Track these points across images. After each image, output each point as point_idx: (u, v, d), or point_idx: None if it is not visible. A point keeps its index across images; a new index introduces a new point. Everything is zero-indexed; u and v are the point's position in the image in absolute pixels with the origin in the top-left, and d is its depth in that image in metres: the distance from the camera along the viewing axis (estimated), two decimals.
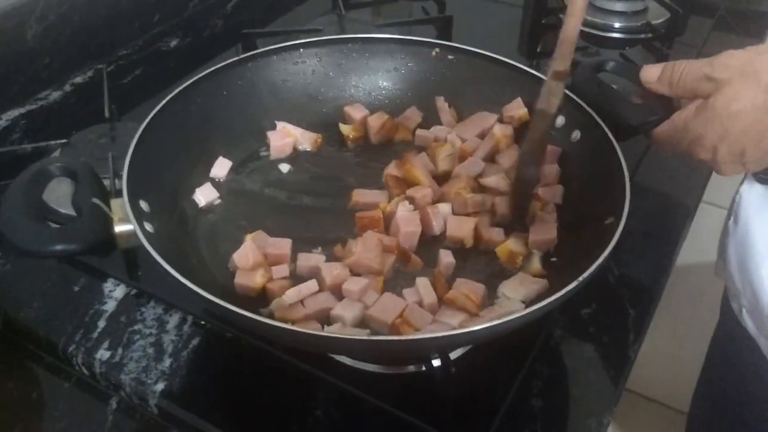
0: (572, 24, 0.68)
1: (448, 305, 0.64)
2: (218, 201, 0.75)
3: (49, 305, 0.68)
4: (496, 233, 0.70)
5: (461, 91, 0.83)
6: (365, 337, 0.58)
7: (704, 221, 1.00)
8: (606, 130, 0.68)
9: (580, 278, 0.55)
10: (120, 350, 0.64)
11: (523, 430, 0.59)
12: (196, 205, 0.73)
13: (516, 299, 0.64)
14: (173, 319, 0.67)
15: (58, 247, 0.57)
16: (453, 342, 0.58)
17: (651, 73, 0.66)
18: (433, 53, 0.81)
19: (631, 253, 0.75)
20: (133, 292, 0.70)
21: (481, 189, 0.75)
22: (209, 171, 0.76)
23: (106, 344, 0.65)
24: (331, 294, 0.65)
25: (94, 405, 0.63)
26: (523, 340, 0.66)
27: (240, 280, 0.65)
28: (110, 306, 0.68)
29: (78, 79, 0.98)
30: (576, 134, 0.73)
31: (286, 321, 0.61)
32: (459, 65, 0.81)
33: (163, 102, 0.71)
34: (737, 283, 0.76)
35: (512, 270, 0.68)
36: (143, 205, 0.64)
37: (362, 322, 0.63)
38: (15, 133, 0.89)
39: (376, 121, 0.82)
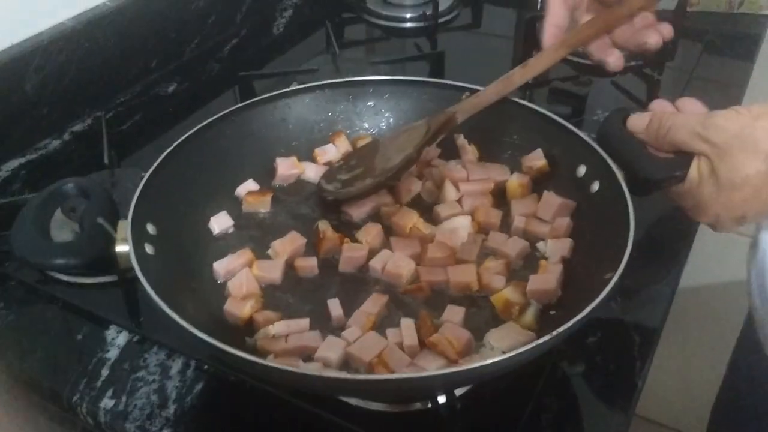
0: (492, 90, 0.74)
1: (430, 349, 0.62)
2: (232, 229, 0.77)
3: (52, 354, 0.68)
4: (496, 280, 0.69)
5: (483, 134, 0.82)
6: (320, 373, 0.57)
7: (708, 242, 1.00)
8: (621, 183, 0.66)
9: (554, 332, 0.53)
10: (124, 398, 0.64)
11: None
12: (211, 232, 0.75)
13: (499, 349, 0.62)
14: (176, 365, 0.67)
15: (60, 261, 0.65)
16: (404, 386, 0.55)
17: (638, 123, 0.65)
18: (463, 96, 0.80)
19: (634, 278, 0.75)
20: (136, 338, 0.70)
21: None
22: (227, 199, 0.79)
23: (110, 392, 0.64)
24: (318, 333, 0.65)
25: None
26: (529, 372, 0.65)
27: (229, 307, 0.67)
28: (113, 353, 0.68)
29: (77, 127, 1.00)
30: (595, 185, 0.71)
31: (267, 353, 0.63)
32: (486, 109, 0.78)
33: (187, 135, 0.76)
34: (760, 312, 0.75)
35: (507, 320, 0.66)
36: (150, 227, 0.67)
37: (346, 363, 0.62)
38: (15, 183, 0.90)
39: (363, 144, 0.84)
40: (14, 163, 0.92)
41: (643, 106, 1.07)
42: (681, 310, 0.87)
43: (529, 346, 0.53)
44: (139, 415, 0.62)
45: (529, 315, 0.66)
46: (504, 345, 0.62)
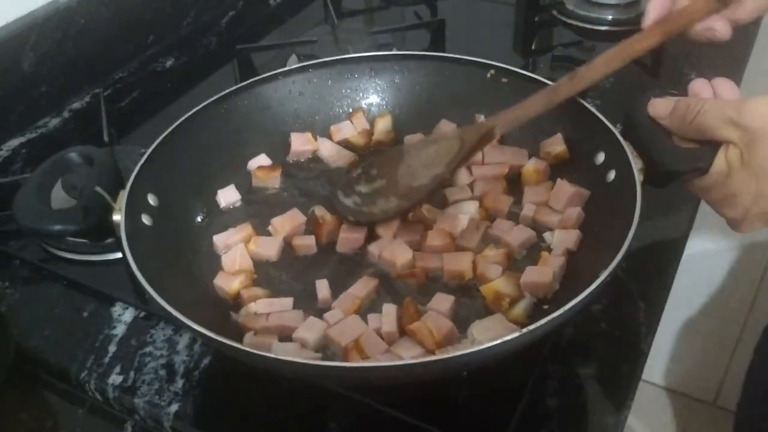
0: (536, 102, 0.69)
1: (409, 336, 0.61)
2: (239, 203, 0.77)
3: (59, 332, 0.69)
4: (491, 269, 0.66)
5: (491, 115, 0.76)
6: (292, 359, 0.54)
7: (708, 215, 1.00)
8: (635, 173, 0.62)
9: (524, 330, 0.51)
10: (132, 374, 0.64)
11: (539, 429, 0.59)
12: (218, 205, 0.76)
13: (479, 342, 0.58)
14: (183, 340, 0.67)
15: (56, 227, 0.65)
16: (364, 376, 0.54)
17: (661, 108, 0.60)
18: (488, 75, 0.78)
19: (639, 245, 0.75)
20: (142, 314, 0.70)
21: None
22: (238, 173, 0.78)
23: (117, 368, 0.65)
24: (300, 313, 0.64)
25: (109, 430, 0.63)
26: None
27: (218, 281, 0.68)
28: (120, 330, 0.68)
29: (76, 105, 0.99)
30: (611, 174, 0.68)
31: (248, 330, 0.63)
32: (510, 88, 0.76)
33: (193, 111, 0.75)
34: None
35: (498, 312, 0.64)
36: (151, 198, 0.68)
37: (325, 346, 0.62)
38: (16, 162, 0.89)
39: (382, 123, 0.82)
40: (14, 142, 0.92)
41: (648, 72, 1.06)
42: (688, 275, 0.87)
43: (492, 343, 0.50)
44: (147, 390, 0.63)
45: (520, 308, 0.63)
46: (486, 337, 0.59)
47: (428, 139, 0.77)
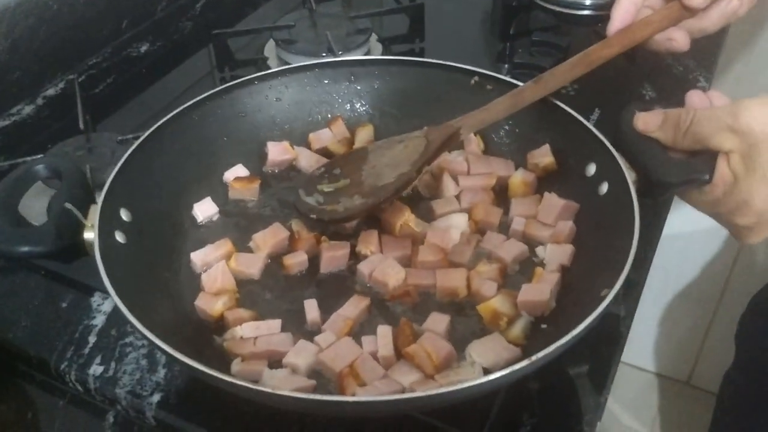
0: (501, 105, 0.68)
1: (406, 360, 0.59)
2: (217, 216, 0.74)
3: (38, 323, 0.68)
4: (486, 287, 0.64)
5: (490, 125, 0.75)
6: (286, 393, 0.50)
7: None
8: (630, 185, 0.60)
9: (533, 357, 0.49)
10: (113, 364, 0.64)
11: (521, 413, 0.60)
12: (194, 219, 0.73)
13: (479, 365, 0.58)
14: None
15: (24, 249, 0.59)
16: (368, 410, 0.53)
17: (651, 121, 0.58)
18: (472, 82, 0.75)
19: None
20: None
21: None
22: (213, 184, 0.75)
23: (98, 359, 0.64)
24: (290, 337, 0.61)
25: (90, 421, 0.63)
26: None
27: (200, 302, 0.64)
28: (99, 320, 0.68)
29: (50, 92, 0.97)
30: (604, 187, 0.65)
31: (234, 355, 0.60)
32: (494, 95, 0.72)
33: (166, 118, 0.72)
34: None
35: (495, 331, 0.62)
36: (124, 213, 0.65)
37: (317, 371, 0.59)
38: None
39: (364, 133, 0.80)
40: None
41: (625, 57, 1.07)
42: (665, 258, 0.88)
43: (507, 371, 0.49)
44: (128, 381, 0.62)
45: (518, 328, 0.61)
46: (486, 360, 0.58)
47: (394, 138, 0.72)
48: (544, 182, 0.73)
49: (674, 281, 1.61)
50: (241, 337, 0.61)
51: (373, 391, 0.56)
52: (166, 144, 0.71)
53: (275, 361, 0.60)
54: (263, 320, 0.63)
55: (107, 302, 0.69)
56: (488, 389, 0.53)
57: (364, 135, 0.80)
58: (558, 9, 1.13)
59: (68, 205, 0.60)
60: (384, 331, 0.61)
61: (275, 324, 0.62)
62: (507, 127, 0.77)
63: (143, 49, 1.07)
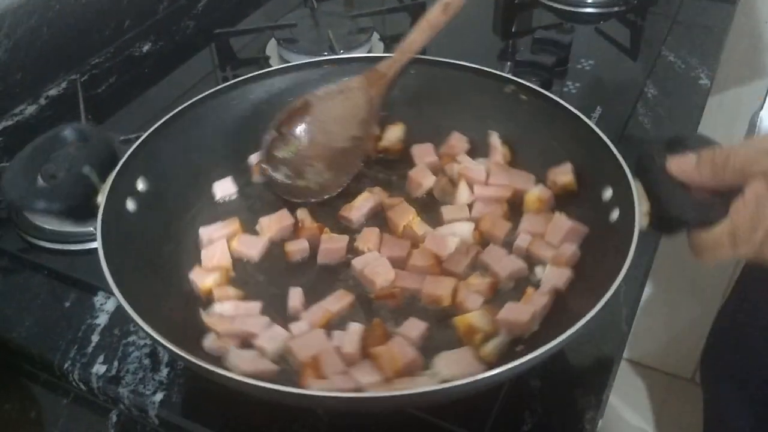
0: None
1: (371, 360, 0.58)
2: (235, 196, 0.75)
3: (41, 323, 0.68)
4: (471, 299, 0.62)
5: (520, 136, 0.75)
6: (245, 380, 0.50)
7: None
8: (636, 215, 0.58)
9: (479, 376, 0.48)
10: (116, 363, 0.64)
11: (523, 411, 0.60)
12: (212, 197, 0.74)
13: (442, 377, 0.56)
14: None
15: (41, 205, 0.63)
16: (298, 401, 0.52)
17: (683, 163, 0.56)
18: (507, 90, 0.73)
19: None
20: None
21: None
22: (237, 165, 0.76)
23: (101, 358, 0.64)
24: (266, 321, 0.62)
25: (94, 420, 0.63)
26: None
27: (193, 275, 0.66)
28: (102, 319, 0.68)
29: (52, 92, 0.97)
30: (615, 214, 0.62)
31: (211, 330, 0.61)
32: (528, 107, 0.72)
33: (205, 94, 0.73)
34: None
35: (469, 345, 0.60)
36: (141, 182, 0.66)
37: (283, 356, 0.60)
38: None
39: (393, 131, 0.79)
40: None
41: (627, 54, 1.07)
42: (666, 254, 0.88)
43: (439, 387, 0.49)
44: (132, 380, 0.63)
45: (492, 345, 0.59)
46: (450, 372, 0.56)
47: (332, 88, 0.73)
48: (561, 201, 0.70)
49: (679, 277, 1.61)
50: (221, 315, 0.62)
51: (327, 386, 0.56)
52: (196, 121, 0.72)
53: (248, 342, 0.61)
54: (245, 301, 0.64)
55: (110, 301, 0.70)
56: (431, 399, 0.52)
57: (393, 134, 0.79)
58: (560, 6, 1.13)
59: (86, 169, 0.64)
60: (354, 329, 0.61)
61: (255, 306, 0.64)
62: (535, 140, 0.74)
63: (145, 48, 1.07)
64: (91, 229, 0.62)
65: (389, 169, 0.77)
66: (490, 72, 0.75)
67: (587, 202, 0.67)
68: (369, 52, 1.00)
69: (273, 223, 0.70)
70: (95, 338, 0.66)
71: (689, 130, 0.91)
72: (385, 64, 0.75)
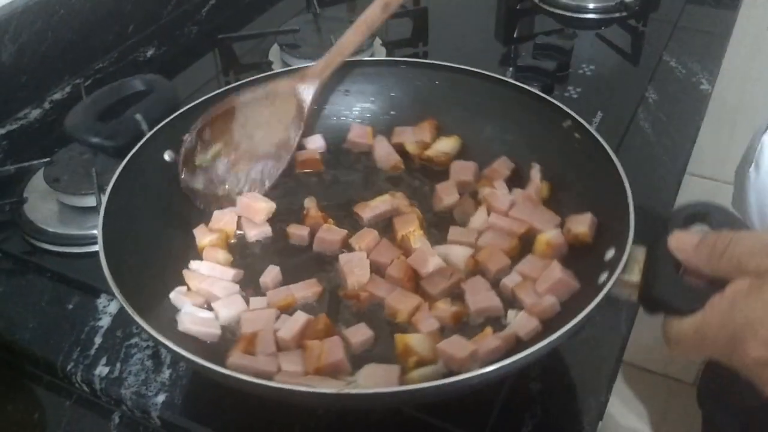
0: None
1: (303, 351, 0.59)
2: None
3: (44, 325, 0.69)
4: (426, 322, 0.61)
5: (560, 171, 0.72)
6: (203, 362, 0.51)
7: (689, 193, 1.01)
8: (608, 283, 0.54)
9: (342, 391, 0.51)
10: (118, 365, 0.64)
11: (523, 414, 0.60)
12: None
13: (355, 385, 0.57)
14: None
15: (95, 140, 0.77)
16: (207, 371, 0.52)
17: (686, 241, 0.52)
18: (564, 124, 0.71)
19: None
20: None
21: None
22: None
23: (104, 360, 0.65)
24: (235, 288, 0.65)
25: (96, 421, 0.63)
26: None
27: (197, 231, 0.69)
28: (105, 321, 0.68)
29: (57, 96, 0.98)
30: (603, 276, 0.58)
31: (184, 284, 0.65)
32: (579, 145, 0.70)
33: (269, 73, 0.78)
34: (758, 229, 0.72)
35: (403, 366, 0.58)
36: (167, 155, 0.71)
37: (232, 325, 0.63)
38: None
39: (446, 143, 0.79)
40: None
41: (629, 59, 1.07)
42: None
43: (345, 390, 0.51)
44: (134, 381, 0.63)
45: (420, 372, 0.58)
46: (366, 384, 0.56)
47: (258, 91, 0.74)
48: (573, 251, 0.66)
49: None
50: (198, 271, 0.66)
51: (250, 363, 0.58)
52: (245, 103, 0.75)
53: (210, 305, 0.64)
54: (225, 266, 0.67)
55: (112, 303, 0.70)
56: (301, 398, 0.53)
57: (444, 145, 0.79)
58: (561, 12, 1.14)
59: (138, 116, 0.75)
60: (298, 317, 0.62)
61: (230, 272, 0.66)
62: (575, 182, 0.71)
63: (149, 53, 1.08)
64: (94, 232, 0.64)
65: (427, 177, 0.77)
66: (554, 104, 0.73)
67: (589, 258, 0.63)
68: (371, 56, 1.01)
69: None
70: (98, 340, 0.67)
71: (690, 135, 0.91)
72: (317, 67, 0.76)
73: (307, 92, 0.75)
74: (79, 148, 0.82)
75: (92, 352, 0.66)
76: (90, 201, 0.76)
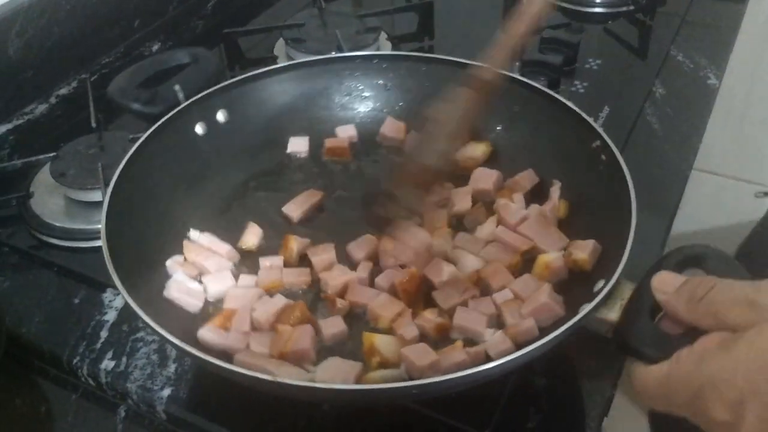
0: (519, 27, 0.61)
1: (273, 333, 0.61)
2: (305, 155, 0.81)
3: (51, 319, 0.69)
4: (406, 328, 0.61)
5: (580, 192, 0.70)
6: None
7: (696, 189, 1.01)
8: (578, 315, 0.54)
9: (275, 379, 0.50)
10: (124, 359, 0.65)
11: (528, 409, 0.60)
12: (284, 147, 0.81)
13: (314, 377, 0.57)
14: None
15: (135, 106, 0.82)
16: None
17: (668, 281, 0.49)
18: (593, 145, 0.69)
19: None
20: None
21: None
22: (320, 131, 0.82)
23: (110, 354, 0.65)
24: (226, 266, 0.67)
25: (102, 415, 0.63)
26: None
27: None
28: (111, 316, 0.69)
29: (63, 91, 0.98)
30: (586, 308, 0.55)
31: (183, 254, 0.68)
32: (603, 167, 0.68)
33: (311, 59, 0.83)
34: None
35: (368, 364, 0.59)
36: (221, 114, 0.77)
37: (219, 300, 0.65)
38: (4, 148, 0.89)
39: (476, 149, 0.78)
40: (1, 128, 0.92)
41: (636, 54, 1.07)
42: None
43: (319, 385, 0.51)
44: (140, 375, 0.63)
45: (380, 374, 0.58)
46: (323, 377, 0.57)
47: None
48: (573, 276, 0.65)
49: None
50: (199, 242, 0.69)
51: (219, 338, 0.60)
52: (297, 80, 0.80)
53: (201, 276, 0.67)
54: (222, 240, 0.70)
55: (119, 298, 0.70)
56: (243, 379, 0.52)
57: (472, 150, 0.78)
58: (568, 6, 1.13)
59: (177, 87, 0.78)
60: (276, 300, 0.63)
61: (225, 247, 0.69)
62: (593, 206, 0.69)
63: (155, 48, 1.08)
64: (100, 226, 0.64)
65: (451, 180, 0.76)
66: (587, 122, 0.71)
67: (586, 288, 0.60)
68: (377, 51, 1.00)
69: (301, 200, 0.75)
70: (104, 334, 0.67)
71: (697, 130, 0.91)
72: (487, 71, 0.65)
73: (476, 106, 0.65)
74: (85, 143, 0.83)
75: (98, 346, 0.66)
76: (96, 196, 0.76)
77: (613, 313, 0.54)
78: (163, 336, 0.53)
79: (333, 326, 0.62)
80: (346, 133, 0.82)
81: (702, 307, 0.46)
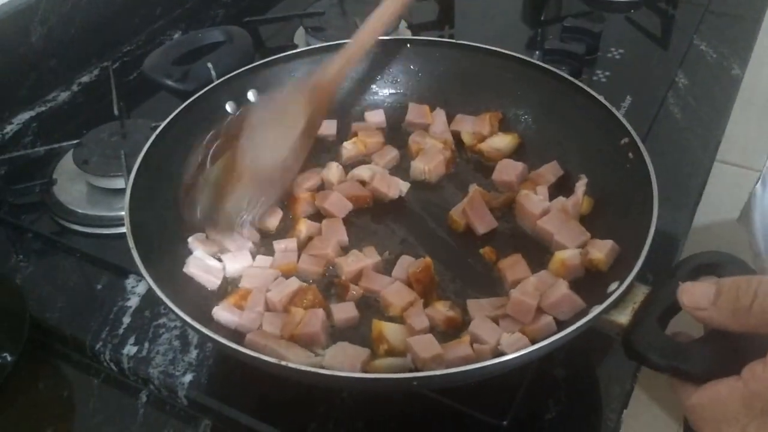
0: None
1: (286, 315, 0.61)
2: (333, 138, 0.81)
3: (74, 304, 0.70)
4: (417, 318, 0.60)
5: (606, 189, 0.69)
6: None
7: (719, 180, 1.00)
8: (587, 315, 0.53)
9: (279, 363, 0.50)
10: (146, 344, 0.65)
11: (547, 400, 0.60)
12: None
13: (320, 361, 0.58)
14: None
15: (168, 82, 0.84)
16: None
17: (699, 295, 0.44)
18: (621, 142, 0.68)
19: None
20: None
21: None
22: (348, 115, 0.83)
23: (132, 339, 0.66)
24: (245, 246, 0.68)
25: (124, 400, 0.64)
26: None
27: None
28: (134, 302, 0.69)
29: (85, 79, 0.99)
30: (596, 311, 0.54)
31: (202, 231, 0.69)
32: (630, 165, 0.66)
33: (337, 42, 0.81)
34: (762, 251, 0.71)
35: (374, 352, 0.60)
36: (252, 93, 0.78)
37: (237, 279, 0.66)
38: (27, 136, 0.90)
39: (503, 141, 0.77)
40: (24, 116, 0.92)
41: (658, 43, 1.05)
42: (689, 248, 0.87)
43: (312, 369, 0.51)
44: (162, 361, 0.64)
45: (386, 363, 0.58)
46: (331, 362, 0.57)
47: (265, 115, 0.69)
48: (587, 275, 0.64)
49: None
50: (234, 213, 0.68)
51: (233, 317, 0.61)
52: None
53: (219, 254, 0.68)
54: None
55: (141, 284, 0.71)
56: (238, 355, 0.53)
57: (500, 141, 0.78)
58: None
59: (209, 64, 0.82)
60: (290, 282, 0.64)
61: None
62: (618, 204, 0.68)
63: (176, 36, 1.08)
64: (123, 213, 0.64)
65: (478, 171, 0.77)
66: (617, 117, 0.69)
67: (600, 289, 0.58)
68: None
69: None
70: (126, 320, 0.68)
71: (720, 121, 0.90)
72: (327, 75, 0.71)
73: (318, 109, 0.71)
74: (108, 130, 0.83)
75: (120, 331, 0.67)
76: (119, 183, 0.77)
77: (623, 317, 0.53)
78: (180, 316, 0.54)
79: (344, 311, 0.62)
80: (375, 118, 0.82)
81: (755, 316, 0.42)
